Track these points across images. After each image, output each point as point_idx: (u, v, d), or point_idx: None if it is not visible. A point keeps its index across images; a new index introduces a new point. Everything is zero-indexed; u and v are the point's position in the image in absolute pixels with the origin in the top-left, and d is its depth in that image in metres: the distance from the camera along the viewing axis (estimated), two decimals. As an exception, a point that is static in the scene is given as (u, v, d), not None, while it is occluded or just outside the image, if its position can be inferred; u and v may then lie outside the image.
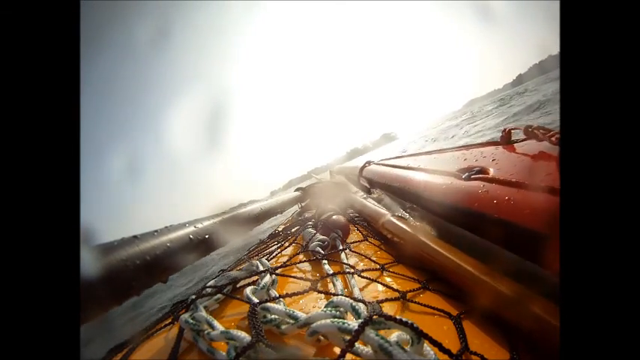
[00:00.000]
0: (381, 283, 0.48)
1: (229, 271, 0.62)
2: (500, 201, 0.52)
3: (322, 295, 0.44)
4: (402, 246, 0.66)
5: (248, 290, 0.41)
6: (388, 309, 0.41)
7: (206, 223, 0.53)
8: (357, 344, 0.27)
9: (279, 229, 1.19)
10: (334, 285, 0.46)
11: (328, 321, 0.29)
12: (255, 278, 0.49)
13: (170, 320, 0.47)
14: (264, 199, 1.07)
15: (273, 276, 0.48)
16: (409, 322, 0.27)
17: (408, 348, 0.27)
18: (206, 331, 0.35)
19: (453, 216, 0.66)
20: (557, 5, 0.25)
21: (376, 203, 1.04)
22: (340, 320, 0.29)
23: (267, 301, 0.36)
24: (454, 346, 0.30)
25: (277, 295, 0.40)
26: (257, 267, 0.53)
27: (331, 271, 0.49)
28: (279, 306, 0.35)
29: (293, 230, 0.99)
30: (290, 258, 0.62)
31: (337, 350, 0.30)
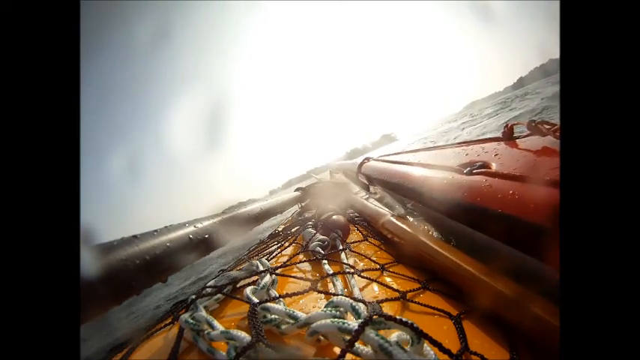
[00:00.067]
0: (381, 283, 0.48)
1: (229, 271, 0.62)
2: (504, 195, 0.50)
3: (322, 295, 0.44)
4: (402, 246, 0.66)
5: (248, 290, 0.41)
6: (388, 309, 0.41)
7: (206, 223, 0.53)
8: (357, 344, 0.27)
9: (279, 229, 1.19)
10: (334, 285, 0.46)
11: (328, 321, 0.29)
12: (255, 278, 0.49)
13: (170, 320, 0.47)
14: (263, 198, 1.07)
15: (273, 276, 0.48)
16: (409, 322, 0.27)
17: (408, 348, 0.27)
18: (206, 331, 0.35)
19: (454, 211, 0.64)
20: (557, 5, 0.25)
21: (376, 203, 1.04)
22: (340, 320, 0.29)
23: (267, 301, 0.36)
24: (454, 346, 0.30)
25: (277, 295, 0.40)
26: (257, 267, 0.53)
27: (331, 271, 0.49)
28: (279, 306, 0.35)
29: (293, 230, 0.99)
30: (290, 258, 0.62)
31: (337, 350, 0.30)
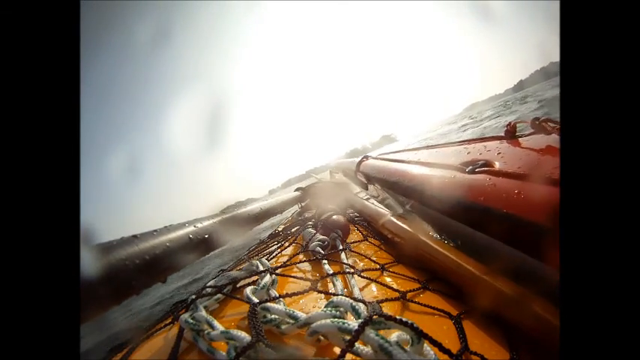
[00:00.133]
0: (381, 283, 0.48)
1: (229, 271, 0.62)
2: (509, 195, 0.49)
3: (322, 295, 0.44)
4: (402, 246, 0.65)
5: (248, 290, 0.41)
6: (388, 309, 0.41)
7: (205, 222, 0.52)
8: (357, 344, 0.27)
9: (279, 229, 1.19)
10: (334, 285, 0.46)
11: (328, 321, 0.29)
12: (255, 278, 0.49)
13: (170, 320, 0.47)
14: (262, 198, 1.07)
15: (273, 276, 0.48)
16: (409, 322, 0.27)
17: (408, 348, 0.27)
18: (206, 331, 0.35)
19: (456, 211, 0.63)
20: (556, 5, 0.25)
21: (376, 203, 1.03)
22: (340, 320, 0.29)
23: (267, 301, 0.36)
24: (454, 346, 0.30)
25: (277, 295, 0.40)
26: (257, 267, 0.53)
27: (331, 271, 0.49)
28: (279, 306, 0.35)
29: (293, 230, 0.99)
30: (290, 258, 0.62)
31: (337, 350, 0.30)
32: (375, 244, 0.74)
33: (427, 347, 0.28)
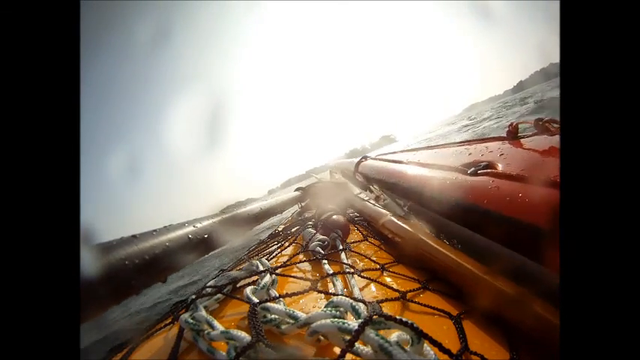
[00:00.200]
0: (381, 283, 0.48)
1: (229, 270, 0.62)
2: (513, 198, 0.47)
3: (322, 295, 0.44)
4: (402, 246, 0.65)
5: (248, 290, 0.41)
6: (388, 309, 0.41)
7: (205, 222, 0.52)
8: (357, 344, 0.27)
9: (279, 229, 1.19)
10: (334, 285, 0.46)
11: (328, 321, 0.29)
12: (255, 278, 0.49)
13: (170, 320, 0.47)
14: (262, 198, 1.07)
15: (273, 276, 0.48)
16: (409, 322, 0.27)
17: (408, 348, 0.27)
18: (206, 331, 0.35)
19: (457, 213, 0.62)
20: (557, 5, 0.25)
21: (376, 203, 1.03)
22: (340, 320, 0.29)
23: (267, 300, 0.36)
24: (454, 346, 0.30)
25: (277, 295, 0.40)
26: (257, 267, 0.53)
27: (331, 271, 0.49)
28: (279, 306, 0.35)
29: (293, 230, 0.99)
30: (290, 258, 0.62)
31: (337, 350, 0.30)
32: (375, 244, 0.74)
33: (427, 347, 0.28)
